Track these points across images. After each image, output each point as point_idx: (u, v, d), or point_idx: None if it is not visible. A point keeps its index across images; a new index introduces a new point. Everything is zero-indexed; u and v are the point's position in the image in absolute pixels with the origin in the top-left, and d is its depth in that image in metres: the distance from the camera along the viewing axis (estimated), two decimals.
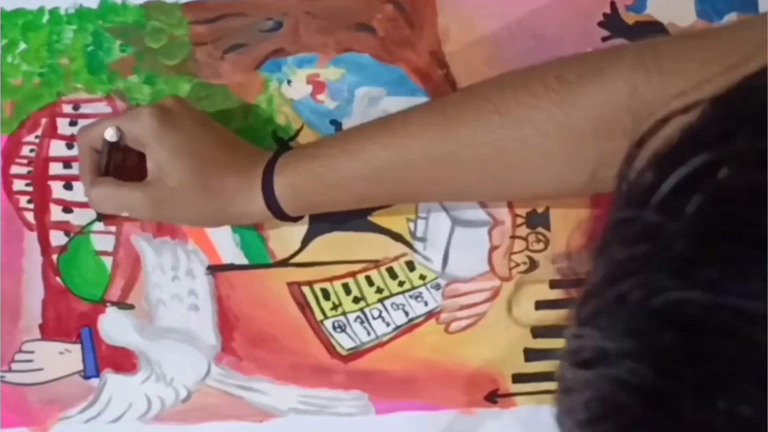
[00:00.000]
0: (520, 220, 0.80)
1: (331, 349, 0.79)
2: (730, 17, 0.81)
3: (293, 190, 0.73)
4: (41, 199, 0.82)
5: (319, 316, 0.80)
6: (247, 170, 0.74)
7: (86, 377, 0.80)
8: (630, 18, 0.81)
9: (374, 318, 0.80)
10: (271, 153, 0.75)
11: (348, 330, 0.79)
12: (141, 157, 0.76)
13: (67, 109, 0.83)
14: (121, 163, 0.77)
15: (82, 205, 0.81)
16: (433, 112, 0.72)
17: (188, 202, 0.74)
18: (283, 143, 0.81)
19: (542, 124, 0.66)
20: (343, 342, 0.79)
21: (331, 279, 0.80)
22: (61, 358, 0.80)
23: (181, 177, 0.73)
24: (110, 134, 0.75)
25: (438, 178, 0.71)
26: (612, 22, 0.81)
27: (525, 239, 0.80)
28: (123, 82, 0.82)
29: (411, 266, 0.80)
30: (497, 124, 0.68)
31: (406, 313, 0.79)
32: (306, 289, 0.80)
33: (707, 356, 0.34)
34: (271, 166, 0.74)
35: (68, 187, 0.82)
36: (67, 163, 0.82)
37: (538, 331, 0.78)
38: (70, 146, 0.82)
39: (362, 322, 0.80)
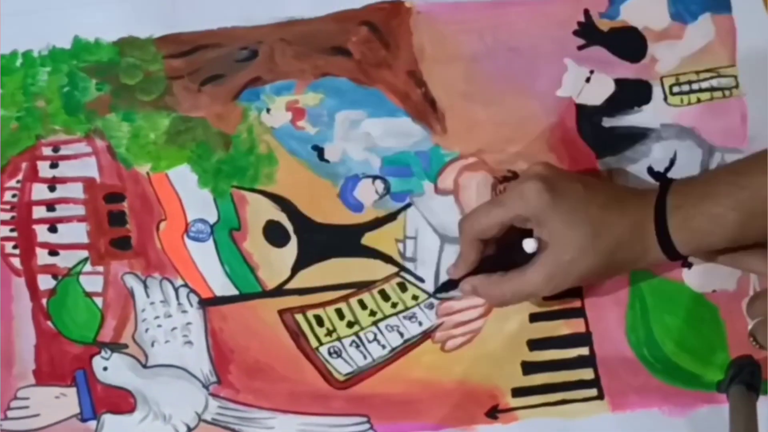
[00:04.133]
0: None
1: (328, 376, 0.79)
2: (704, 18, 0.81)
3: (690, 233, 0.70)
4: (26, 243, 0.81)
5: (314, 342, 0.79)
6: (637, 221, 0.71)
7: (83, 420, 0.79)
8: (604, 24, 0.81)
9: (369, 341, 0.79)
10: (656, 194, 0.71)
11: (344, 355, 0.79)
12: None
13: (47, 151, 0.82)
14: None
15: (68, 247, 0.81)
16: None
17: (583, 269, 0.71)
18: (660, 177, 0.79)
19: None
20: (340, 367, 0.79)
21: (323, 305, 0.80)
22: (57, 403, 0.80)
23: (576, 248, 0.70)
24: (531, 246, 0.72)
25: None
26: (587, 30, 0.81)
27: None
28: (101, 121, 0.82)
29: (403, 287, 0.80)
30: None
31: (401, 335, 0.79)
32: (299, 317, 0.80)
33: None
34: (661, 209, 0.70)
35: (53, 229, 0.81)
36: (50, 206, 0.81)
37: (534, 344, 0.78)
38: (52, 189, 0.81)
39: (358, 346, 0.79)
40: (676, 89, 0.80)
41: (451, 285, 0.77)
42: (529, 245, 0.72)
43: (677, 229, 0.70)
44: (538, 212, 0.71)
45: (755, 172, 0.68)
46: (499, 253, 0.76)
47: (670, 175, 0.79)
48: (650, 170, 0.80)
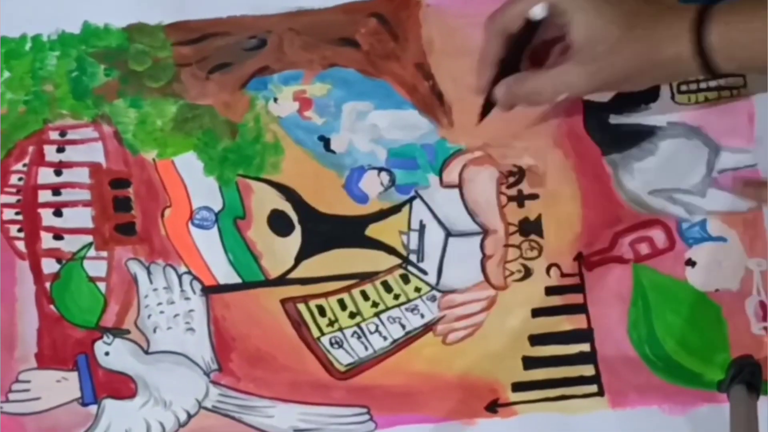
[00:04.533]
0: (512, 229, 0.80)
1: (329, 366, 0.79)
2: None
3: (726, 41, 0.67)
4: (31, 227, 0.81)
5: (315, 332, 0.79)
6: (674, 19, 0.69)
7: (84, 404, 0.80)
8: None
9: (371, 332, 0.79)
10: (698, 5, 0.69)
11: (345, 346, 0.79)
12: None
13: (54, 136, 0.82)
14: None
15: (73, 231, 0.81)
16: None
17: (622, 62, 0.69)
18: None
19: None
20: (341, 358, 0.79)
21: (325, 295, 0.80)
22: (58, 386, 0.80)
23: (612, 37, 0.69)
24: (539, 11, 0.70)
25: None
26: None
27: (518, 247, 0.79)
28: (109, 107, 0.82)
29: (406, 279, 0.80)
30: None
31: (403, 326, 0.79)
32: (301, 306, 0.80)
33: None
34: (702, 15, 0.68)
35: (58, 214, 0.81)
36: (56, 190, 0.81)
37: (536, 339, 0.78)
38: (58, 173, 0.82)
39: (359, 337, 0.79)
40: (683, 87, 0.80)
41: (488, 106, 0.76)
42: (536, 10, 0.70)
43: (715, 36, 0.68)
44: (566, 2, 0.70)
45: None
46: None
47: None
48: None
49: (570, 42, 0.70)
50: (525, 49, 0.74)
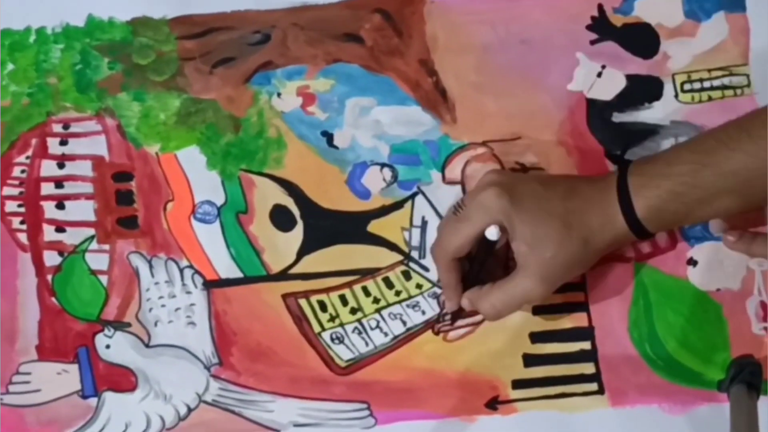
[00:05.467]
0: None
1: (329, 361, 0.79)
2: (718, 16, 0.81)
3: (655, 211, 0.70)
4: (34, 219, 0.81)
5: (316, 328, 0.79)
6: (602, 205, 0.71)
7: (84, 397, 0.80)
8: (618, 20, 0.81)
9: (372, 328, 0.79)
10: (615, 176, 0.72)
11: (346, 341, 0.79)
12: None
13: (57, 128, 0.82)
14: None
15: (75, 224, 0.81)
16: None
17: (569, 261, 0.71)
18: (619, 159, 0.79)
19: None
20: (342, 353, 0.79)
21: (327, 290, 0.80)
22: (58, 379, 0.80)
23: (552, 242, 0.71)
24: (493, 233, 0.72)
25: None
26: (600, 25, 0.81)
27: None
28: (112, 100, 0.82)
29: (407, 275, 0.80)
30: None
31: (404, 323, 0.79)
32: (303, 302, 0.80)
33: None
34: (625, 192, 0.71)
35: (60, 206, 0.81)
36: (58, 182, 0.82)
37: (536, 337, 0.78)
38: (61, 166, 0.82)
39: (360, 333, 0.79)
40: (687, 87, 0.80)
41: (455, 315, 0.78)
42: (491, 233, 0.72)
43: (643, 209, 0.70)
44: (502, 218, 0.71)
45: (717, 149, 0.68)
46: (492, 267, 0.76)
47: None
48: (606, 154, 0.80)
49: (515, 253, 0.72)
50: (484, 266, 0.75)
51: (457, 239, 0.73)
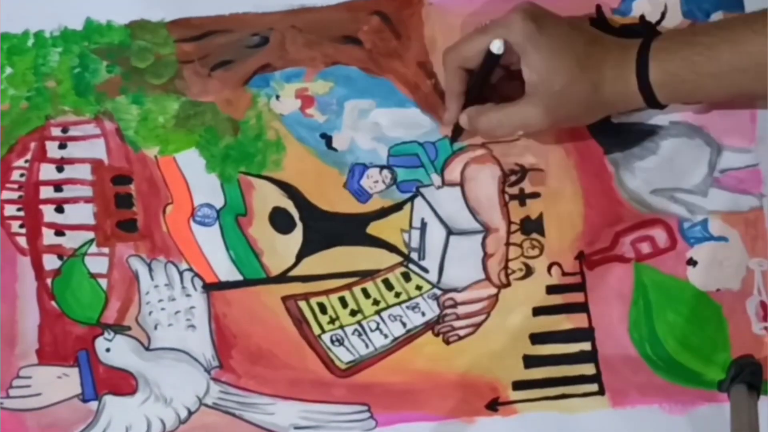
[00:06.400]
0: (514, 227, 0.80)
1: (329, 363, 0.79)
2: (716, 16, 0.81)
3: (668, 76, 0.72)
4: (33, 223, 0.81)
5: (316, 330, 0.79)
6: (620, 59, 0.73)
7: (85, 400, 0.80)
8: (616, 21, 0.81)
9: (372, 330, 0.79)
10: (640, 40, 0.73)
11: (346, 343, 0.79)
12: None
13: (56, 132, 0.82)
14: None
15: (74, 227, 0.81)
16: None
17: (576, 100, 0.73)
18: (651, 27, 0.81)
19: None
20: (342, 355, 0.79)
21: (327, 292, 0.80)
22: (59, 382, 0.80)
23: (565, 78, 0.72)
24: (497, 46, 0.72)
25: None
26: (598, 26, 0.80)
27: (520, 246, 0.80)
28: (111, 103, 0.82)
29: (407, 277, 0.80)
30: None
31: (404, 324, 0.79)
32: (302, 304, 0.80)
33: None
34: (645, 51, 0.72)
35: (60, 210, 0.81)
36: (57, 186, 0.82)
37: (536, 338, 0.78)
38: (60, 169, 0.82)
39: (360, 335, 0.79)
40: None
41: (458, 130, 0.79)
42: (495, 46, 0.72)
43: (657, 73, 0.72)
44: (521, 40, 0.72)
45: (741, 30, 0.70)
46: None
47: None
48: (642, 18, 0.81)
49: (525, 80, 0.73)
50: (487, 82, 0.76)
51: (470, 46, 0.75)
